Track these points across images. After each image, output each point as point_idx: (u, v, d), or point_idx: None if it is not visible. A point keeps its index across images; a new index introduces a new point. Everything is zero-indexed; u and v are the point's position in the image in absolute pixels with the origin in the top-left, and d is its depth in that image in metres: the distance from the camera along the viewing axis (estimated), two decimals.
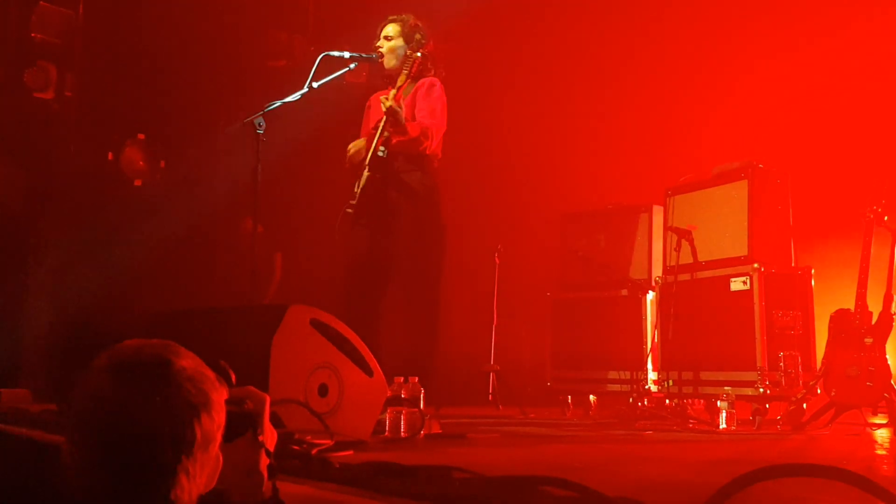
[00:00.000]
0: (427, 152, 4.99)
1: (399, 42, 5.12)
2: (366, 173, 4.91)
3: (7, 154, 6.14)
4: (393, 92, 4.87)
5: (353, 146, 5.17)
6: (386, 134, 4.88)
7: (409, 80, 4.97)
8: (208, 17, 6.97)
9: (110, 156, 6.59)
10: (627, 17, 7.59)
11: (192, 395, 1.40)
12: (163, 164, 6.75)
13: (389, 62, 5.10)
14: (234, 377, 1.62)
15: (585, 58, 7.72)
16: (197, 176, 6.97)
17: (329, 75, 4.85)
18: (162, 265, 6.57)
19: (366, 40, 5.22)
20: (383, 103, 4.78)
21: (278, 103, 4.68)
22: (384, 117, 4.83)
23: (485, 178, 7.84)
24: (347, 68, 4.97)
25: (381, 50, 5.11)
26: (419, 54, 4.97)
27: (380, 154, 4.86)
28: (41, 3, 6.17)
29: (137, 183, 6.68)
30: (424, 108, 5.02)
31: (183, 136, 6.88)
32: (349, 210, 4.89)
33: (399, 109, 4.78)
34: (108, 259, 6.41)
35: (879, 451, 3.91)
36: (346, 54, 4.96)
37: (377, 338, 4.82)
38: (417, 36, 5.10)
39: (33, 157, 6.27)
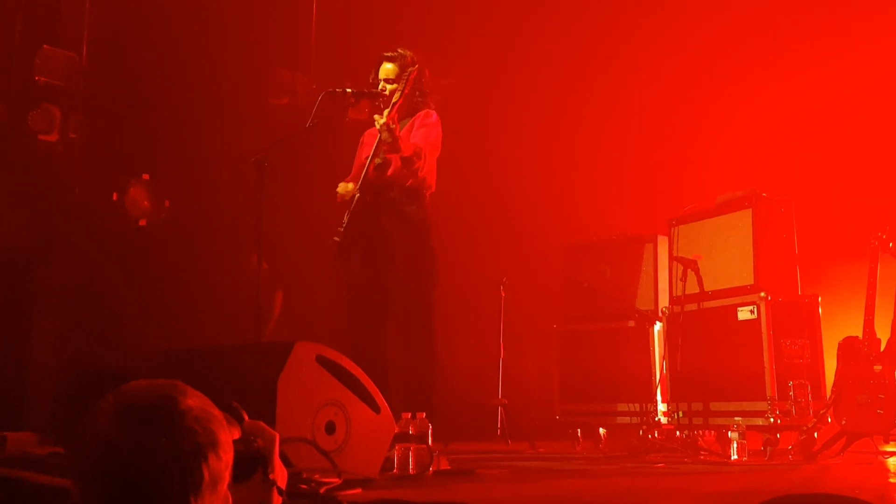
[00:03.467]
0: (420, 174, 5.00)
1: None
2: (356, 195, 4.93)
3: (12, 196, 6.15)
4: (387, 111, 4.86)
5: (342, 188, 5.18)
6: (378, 160, 4.91)
7: (403, 98, 4.94)
8: (211, 57, 7.02)
9: (115, 196, 6.61)
10: (629, 47, 7.64)
11: (198, 434, 1.38)
12: (167, 203, 6.76)
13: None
14: (246, 417, 1.61)
15: (587, 88, 7.75)
16: (201, 214, 6.99)
17: (332, 113, 4.87)
18: (167, 304, 6.56)
19: (368, 77, 5.24)
20: (377, 121, 4.79)
21: (282, 141, 4.70)
22: (378, 136, 4.85)
23: (488, 212, 7.85)
24: (350, 105, 4.99)
25: (385, 94, 5.10)
26: (413, 69, 4.98)
27: (377, 162, 4.87)
28: (45, 46, 6.22)
29: (142, 223, 6.69)
30: (419, 134, 5.05)
31: (187, 175, 6.90)
32: (336, 238, 4.90)
33: (393, 126, 4.78)
34: (113, 299, 6.41)
35: (892, 480, 3.88)
36: (349, 91, 4.98)
37: (384, 373, 4.80)
38: (411, 68, 5.12)
39: (38, 199, 6.29)
